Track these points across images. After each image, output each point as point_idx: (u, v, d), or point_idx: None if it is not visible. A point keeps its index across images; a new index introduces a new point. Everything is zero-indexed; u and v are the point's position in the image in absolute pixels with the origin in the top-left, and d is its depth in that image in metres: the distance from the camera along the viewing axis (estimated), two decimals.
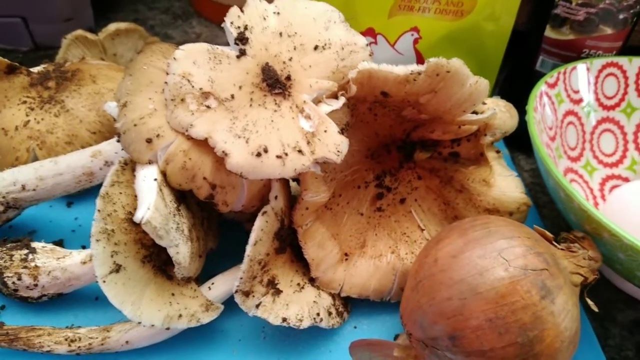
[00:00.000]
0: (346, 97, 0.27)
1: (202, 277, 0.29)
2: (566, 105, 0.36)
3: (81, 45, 0.43)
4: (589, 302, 0.26)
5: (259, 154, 0.24)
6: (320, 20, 0.27)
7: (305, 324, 0.26)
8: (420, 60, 0.38)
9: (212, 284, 0.28)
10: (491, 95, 0.41)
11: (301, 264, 0.29)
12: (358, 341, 0.25)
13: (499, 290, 0.22)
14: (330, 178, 0.30)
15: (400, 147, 0.32)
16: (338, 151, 0.25)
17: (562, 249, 0.26)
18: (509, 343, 0.22)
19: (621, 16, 0.36)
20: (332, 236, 0.29)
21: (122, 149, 0.26)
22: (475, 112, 0.29)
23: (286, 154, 0.24)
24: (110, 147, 0.28)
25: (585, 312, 0.32)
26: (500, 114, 0.30)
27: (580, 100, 0.37)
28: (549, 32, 0.39)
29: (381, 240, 0.31)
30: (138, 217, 0.23)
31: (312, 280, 0.29)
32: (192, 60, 0.25)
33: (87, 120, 0.34)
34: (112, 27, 0.43)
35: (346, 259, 0.30)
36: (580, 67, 0.37)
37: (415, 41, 0.37)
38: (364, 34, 0.37)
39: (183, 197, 0.27)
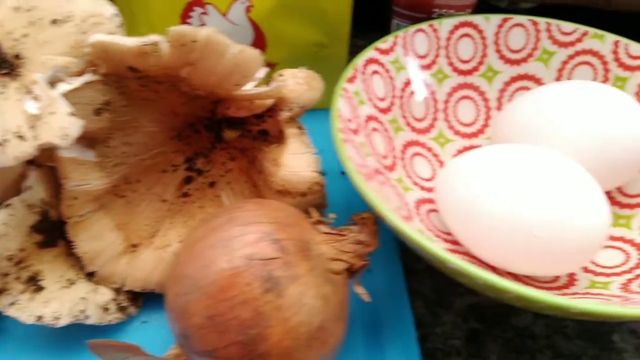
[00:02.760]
0: (98, 73, 0.24)
1: None
2: (409, 72, 0.33)
3: None
4: (359, 291, 0.23)
5: None
6: None
7: (64, 321, 0.24)
8: (255, 30, 0.35)
9: None
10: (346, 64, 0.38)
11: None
12: (97, 341, 0.22)
13: (219, 283, 0.20)
14: (115, 163, 0.27)
15: (208, 127, 0.30)
16: (65, 135, 0.22)
17: (327, 233, 0.23)
18: (231, 342, 0.20)
19: None
20: (118, 226, 0.27)
21: None
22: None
23: (6, 140, 0.22)
24: None
25: (417, 297, 0.30)
26: (295, 86, 0.27)
27: (429, 66, 0.34)
28: None
29: (174, 229, 0.28)
30: None
31: (91, 275, 0.27)
32: None
33: None
34: None
35: (133, 251, 0.27)
36: (426, 28, 0.34)
37: (247, 9, 0.34)
38: (191, 4, 0.34)
39: None
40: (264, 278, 0.20)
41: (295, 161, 0.26)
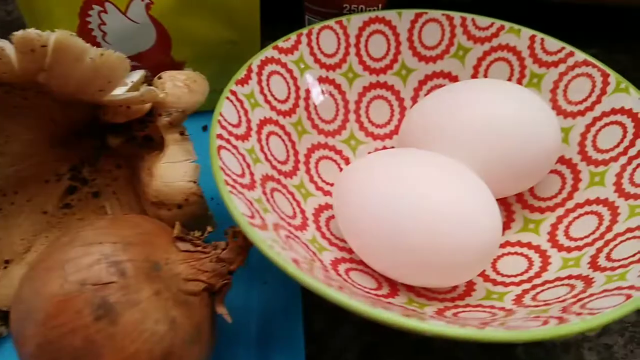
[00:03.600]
0: None
1: None
2: (315, 72, 0.32)
3: None
4: (221, 311, 0.22)
5: None
6: None
7: None
8: (158, 27, 0.33)
9: None
10: None
11: None
12: None
13: (49, 310, 0.19)
14: None
15: (93, 133, 0.28)
16: None
17: (186, 251, 0.22)
18: None
19: None
20: None
21: None
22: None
23: None
24: None
25: (318, 311, 0.29)
26: (173, 89, 0.26)
27: (338, 65, 0.32)
28: None
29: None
30: None
31: None
32: None
33: None
34: None
35: (5, 267, 0.26)
36: (334, 25, 0.32)
37: (148, 7, 0.32)
38: (89, 2, 0.32)
39: None
40: (97, 304, 0.18)
41: (169, 170, 0.25)
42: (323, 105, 0.32)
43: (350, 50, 0.33)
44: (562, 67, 0.31)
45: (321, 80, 0.32)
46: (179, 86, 0.26)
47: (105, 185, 0.29)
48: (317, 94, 0.32)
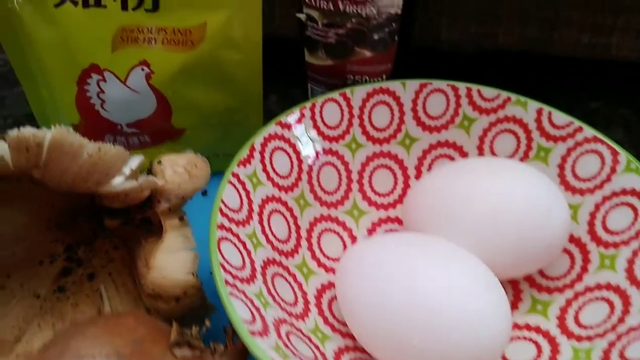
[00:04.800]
0: None
1: None
2: (318, 145, 0.31)
3: None
4: None
5: None
6: None
7: None
8: (158, 96, 0.33)
9: None
10: None
11: None
12: None
13: None
14: None
15: (91, 214, 0.28)
16: None
17: (182, 357, 0.21)
18: None
19: (376, 37, 0.31)
20: None
21: None
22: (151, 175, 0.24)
23: None
24: None
25: None
26: (173, 176, 0.25)
27: (341, 137, 0.32)
28: (309, 58, 0.33)
29: (41, 333, 0.26)
30: None
31: None
32: None
33: None
34: None
35: None
36: (337, 97, 0.31)
37: (148, 76, 0.32)
38: (87, 71, 0.32)
39: None
40: None
41: (167, 262, 0.24)
42: (325, 176, 0.31)
43: (354, 122, 0.32)
44: (570, 142, 0.30)
45: (324, 152, 0.31)
46: (179, 172, 0.25)
47: (101, 266, 0.28)
48: (320, 166, 0.31)
